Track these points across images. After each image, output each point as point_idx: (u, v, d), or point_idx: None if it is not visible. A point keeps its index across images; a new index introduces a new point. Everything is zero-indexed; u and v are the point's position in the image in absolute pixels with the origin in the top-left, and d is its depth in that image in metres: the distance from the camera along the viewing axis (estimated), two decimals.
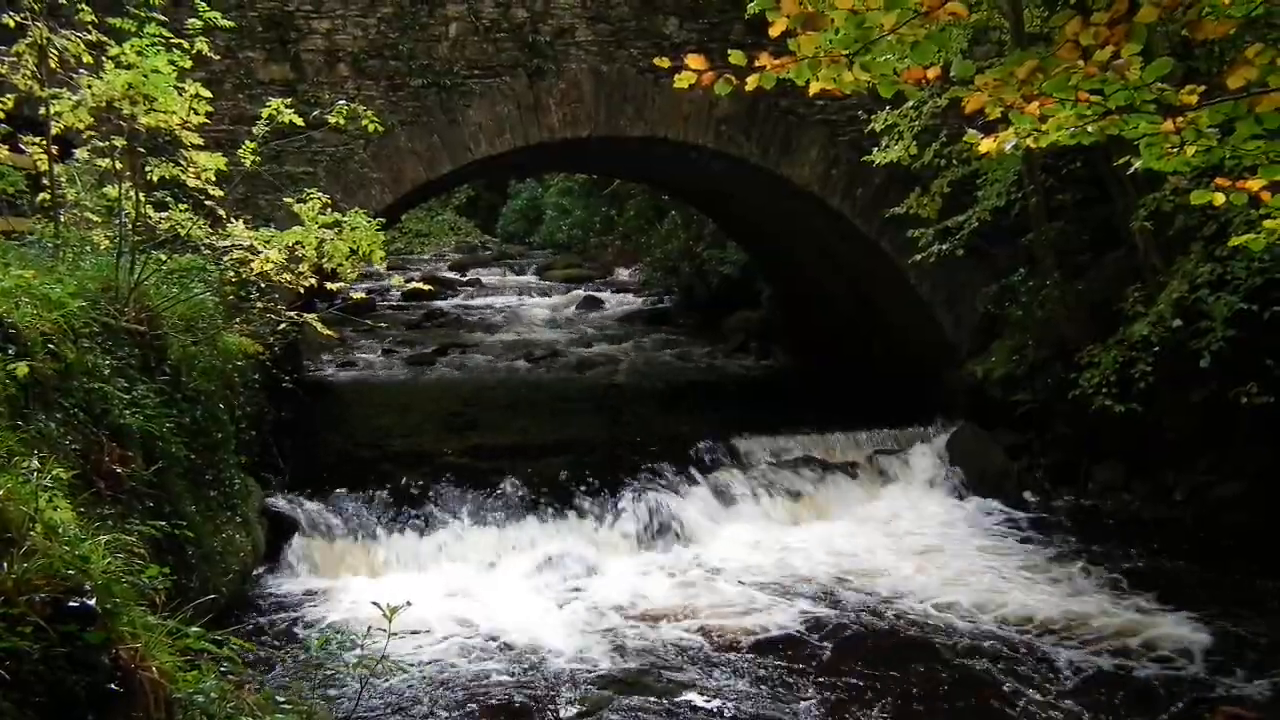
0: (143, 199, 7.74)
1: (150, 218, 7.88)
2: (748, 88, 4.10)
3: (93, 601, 3.26)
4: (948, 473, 12.13)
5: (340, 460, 11.62)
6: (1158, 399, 10.28)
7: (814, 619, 8.65)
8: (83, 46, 7.41)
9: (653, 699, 7.15)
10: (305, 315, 8.40)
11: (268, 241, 8.03)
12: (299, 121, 8.18)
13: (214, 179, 8.00)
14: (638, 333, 20.95)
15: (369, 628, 4.77)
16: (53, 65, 7.56)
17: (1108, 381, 10.44)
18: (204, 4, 7.74)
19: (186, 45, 7.47)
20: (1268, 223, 4.70)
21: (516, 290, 26.42)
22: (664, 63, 4.31)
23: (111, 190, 7.98)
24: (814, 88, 4.11)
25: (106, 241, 7.96)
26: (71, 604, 3.20)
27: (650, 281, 25.04)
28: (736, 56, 4.02)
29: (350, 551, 9.89)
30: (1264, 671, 7.48)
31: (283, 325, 8.57)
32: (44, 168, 7.83)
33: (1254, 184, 4.30)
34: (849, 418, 12.96)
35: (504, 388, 16.12)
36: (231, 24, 8.66)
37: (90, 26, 7.53)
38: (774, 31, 3.97)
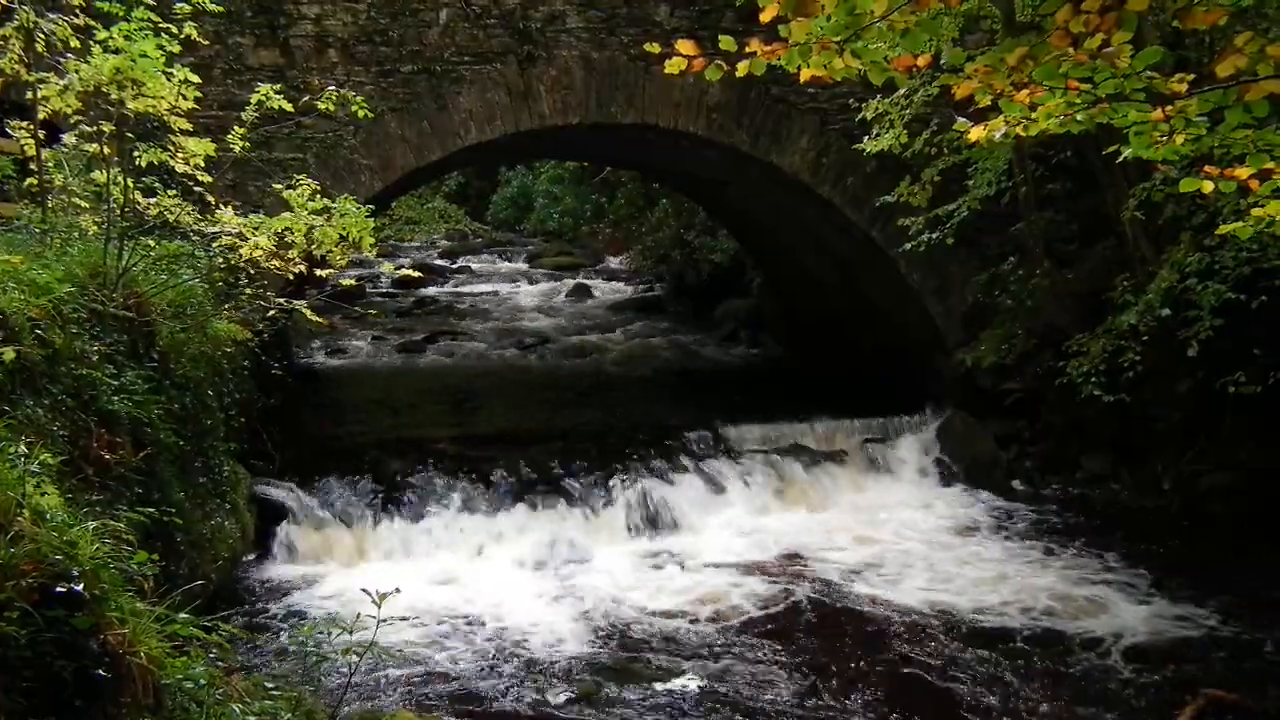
0: (131, 184, 7.70)
1: (139, 203, 7.84)
2: (738, 73, 4.09)
3: (80, 587, 3.26)
4: (937, 461, 12.18)
5: (330, 447, 11.61)
6: (1146, 388, 10.32)
7: (803, 606, 8.69)
8: (70, 30, 7.36)
9: (643, 685, 7.18)
10: (295, 302, 8.38)
11: (257, 228, 8.00)
12: (288, 107, 8.14)
13: (203, 165, 7.97)
14: (628, 320, 20.93)
15: (358, 614, 4.77)
16: (40, 49, 7.51)
17: (1096, 370, 10.47)
18: None
19: (175, 30, 7.43)
20: (1256, 211, 4.71)
21: (507, 278, 26.33)
22: (654, 48, 4.29)
23: (99, 175, 7.93)
24: (805, 74, 4.10)
25: (94, 227, 7.91)
26: (59, 589, 3.20)
27: (641, 269, 24.98)
28: (727, 42, 4.01)
29: (339, 538, 9.90)
30: (1245, 655, 7.56)
31: (272, 312, 8.54)
32: (31, 152, 7.78)
33: (1243, 172, 4.31)
34: (839, 406, 12.98)
35: (494, 375, 16.11)
36: (220, 9, 8.60)
37: (77, 10, 7.48)
38: (765, 17, 3.96)
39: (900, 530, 10.60)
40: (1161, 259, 10.37)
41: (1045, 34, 3.86)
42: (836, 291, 15.64)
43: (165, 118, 7.61)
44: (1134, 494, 11.00)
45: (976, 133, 4.39)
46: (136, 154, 7.89)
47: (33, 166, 7.94)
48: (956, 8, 10.30)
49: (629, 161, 20.24)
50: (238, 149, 8.25)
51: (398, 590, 4.91)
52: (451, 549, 9.92)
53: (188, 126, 7.79)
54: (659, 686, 7.16)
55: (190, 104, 7.67)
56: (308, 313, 8.30)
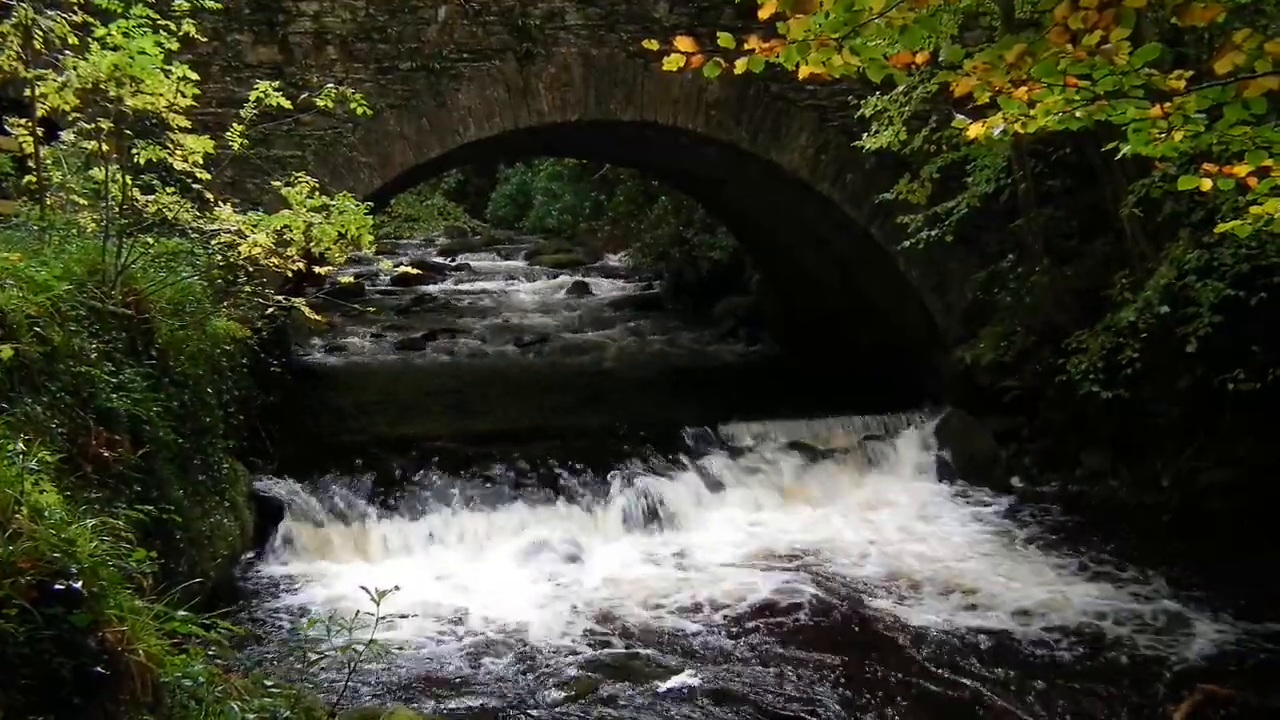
0: (129, 182, 7.70)
1: (137, 201, 7.84)
2: (737, 70, 4.09)
3: (79, 584, 3.26)
4: (936, 459, 12.17)
5: (329, 445, 11.60)
6: (1145, 385, 10.31)
7: (800, 604, 8.67)
8: (68, 27, 7.35)
9: (641, 682, 7.17)
10: (293, 300, 8.38)
11: (255, 225, 8.00)
12: (287, 104, 8.14)
13: (201, 162, 7.96)
14: (627, 318, 20.92)
15: (357, 611, 4.78)
16: (38, 46, 7.50)
17: (1095, 367, 10.47)
18: None
19: (173, 27, 7.42)
20: (1254, 208, 4.71)
21: (506, 275, 26.31)
22: (652, 45, 4.29)
23: (98, 173, 7.93)
24: (803, 71, 4.10)
25: (93, 224, 7.91)
26: (57, 587, 3.20)
27: (640, 267, 24.96)
28: (725, 39, 4.00)
29: (338, 536, 9.89)
30: (1243, 651, 7.57)
31: (271, 309, 8.54)
32: (29, 150, 7.77)
33: (1241, 169, 4.31)
34: (838, 404, 12.98)
35: (493, 373, 16.10)
36: (219, 5, 8.59)
37: (75, 7, 7.47)
38: (763, 14, 3.95)
39: (898, 527, 10.61)
40: (1160, 256, 10.37)
41: (1044, 31, 3.86)
42: (835, 289, 15.64)
43: (164, 115, 7.62)
44: (1133, 490, 10.98)
45: (975, 130, 4.39)
46: (135, 151, 7.89)
47: (31, 164, 7.93)
48: (956, 4, 10.31)
49: (628, 159, 20.23)
50: (236, 146, 8.25)
51: (396, 587, 4.92)
52: (450, 546, 9.92)
53: (186, 124, 7.79)
54: (658, 685, 7.15)
55: (189, 101, 7.67)
56: (306, 310, 8.31)
